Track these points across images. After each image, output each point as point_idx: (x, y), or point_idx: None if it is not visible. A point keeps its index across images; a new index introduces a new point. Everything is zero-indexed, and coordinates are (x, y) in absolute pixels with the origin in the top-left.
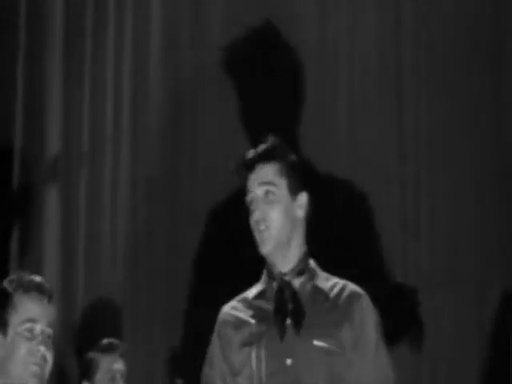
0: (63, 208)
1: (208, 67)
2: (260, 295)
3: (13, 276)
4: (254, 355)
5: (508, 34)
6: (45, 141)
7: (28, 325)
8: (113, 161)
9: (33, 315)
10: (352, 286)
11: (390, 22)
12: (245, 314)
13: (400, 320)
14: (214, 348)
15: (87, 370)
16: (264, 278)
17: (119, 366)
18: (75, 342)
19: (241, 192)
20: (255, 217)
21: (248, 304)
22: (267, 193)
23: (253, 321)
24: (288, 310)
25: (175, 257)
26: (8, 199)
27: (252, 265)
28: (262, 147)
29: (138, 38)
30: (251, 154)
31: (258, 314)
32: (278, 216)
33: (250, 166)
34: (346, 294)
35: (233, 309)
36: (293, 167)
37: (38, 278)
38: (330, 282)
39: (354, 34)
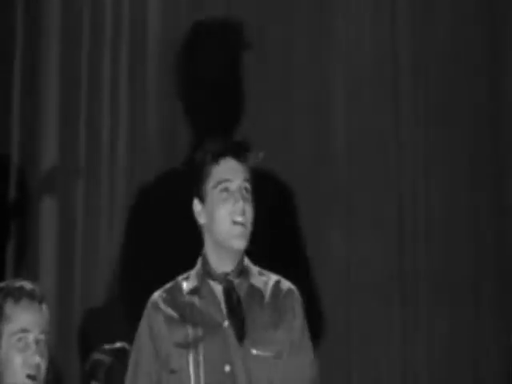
0: (60, 220)
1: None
2: (193, 291)
3: (1, 285)
4: (191, 360)
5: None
6: (41, 152)
7: (21, 335)
8: (109, 172)
9: (25, 325)
10: (284, 282)
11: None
12: (177, 311)
13: None
14: (143, 335)
15: (98, 371)
16: (197, 273)
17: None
18: (79, 345)
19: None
20: (238, 208)
21: (180, 298)
22: (246, 190)
23: (187, 323)
24: (241, 314)
25: (173, 267)
26: (4, 211)
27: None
28: (239, 143)
29: (136, 49)
30: (236, 142)
31: (191, 312)
32: (251, 215)
33: (234, 153)
34: (279, 291)
35: (164, 301)
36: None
37: (26, 284)
38: (264, 278)
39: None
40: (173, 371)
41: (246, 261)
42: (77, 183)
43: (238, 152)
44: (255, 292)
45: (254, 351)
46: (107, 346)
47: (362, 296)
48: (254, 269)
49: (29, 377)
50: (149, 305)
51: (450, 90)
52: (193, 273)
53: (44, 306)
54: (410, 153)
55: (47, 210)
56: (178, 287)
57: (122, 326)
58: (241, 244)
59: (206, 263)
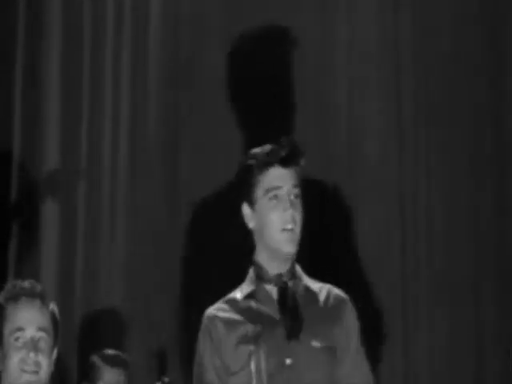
0: (61, 221)
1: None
2: (249, 296)
3: (5, 287)
4: (252, 356)
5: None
6: (43, 154)
7: (17, 334)
8: (111, 174)
9: (20, 323)
10: (337, 291)
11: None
12: (234, 315)
13: None
14: (205, 350)
15: (90, 373)
16: (251, 279)
17: (120, 382)
18: (78, 345)
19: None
20: (287, 215)
21: (236, 305)
22: (297, 196)
23: (246, 322)
24: (294, 311)
25: (174, 268)
26: (6, 212)
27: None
28: (295, 149)
29: (137, 54)
30: (284, 148)
31: (249, 314)
32: (301, 221)
33: (283, 159)
34: (333, 297)
35: (220, 310)
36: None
37: (27, 283)
38: (317, 285)
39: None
40: (233, 373)
41: (298, 267)
42: (78, 184)
43: (287, 158)
44: (310, 294)
45: (314, 343)
46: (104, 352)
47: None
48: (307, 277)
49: (24, 371)
50: (205, 320)
51: (450, 89)
52: (246, 281)
53: (46, 304)
54: (410, 153)
55: (49, 211)
56: (232, 298)
57: (119, 332)
58: (290, 249)
59: (258, 267)
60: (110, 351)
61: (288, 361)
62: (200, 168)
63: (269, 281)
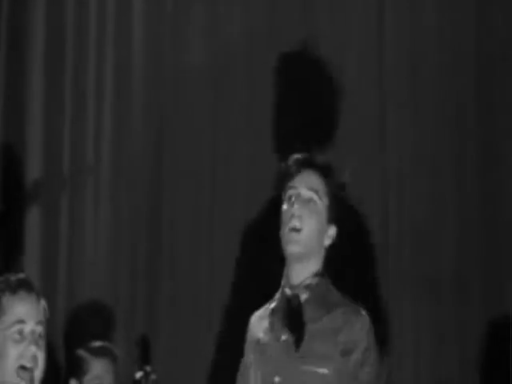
0: (44, 231)
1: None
2: (275, 308)
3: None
4: (251, 369)
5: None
6: (25, 163)
7: (17, 327)
8: (94, 183)
9: (21, 316)
10: (357, 308)
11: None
12: (260, 329)
13: None
14: (246, 350)
15: (77, 368)
16: (280, 289)
17: (109, 372)
18: (64, 339)
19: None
20: (294, 211)
21: (268, 315)
22: (310, 200)
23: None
24: (297, 323)
25: (158, 263)
26: None
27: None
28: (318, 158)
29: (120, 60)
30: (305, 157)
31: (270, 327)
32: (313, 224)
33: (305, 164)
34: (347, 314)
35: (257, 316)
36: (336, 196)
37: (24, 277)
38: (335, 298)
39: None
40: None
41: (322, 280)
42: (61, 195)
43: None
44: (320, 306)
45: (304, 366)
46: (90, 345)
47: None
48: (334, 294)
49: (23, 368)
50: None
51: (439, 91)
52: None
53: (41, 301)
54: (395, 153)
55: (32, 221)
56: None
57: (105, 326)
58: (293, 249)
59: (284, 277)
60: (97, 343)
61: (277, 379)
62: (185, 180)
63: (288, 290)
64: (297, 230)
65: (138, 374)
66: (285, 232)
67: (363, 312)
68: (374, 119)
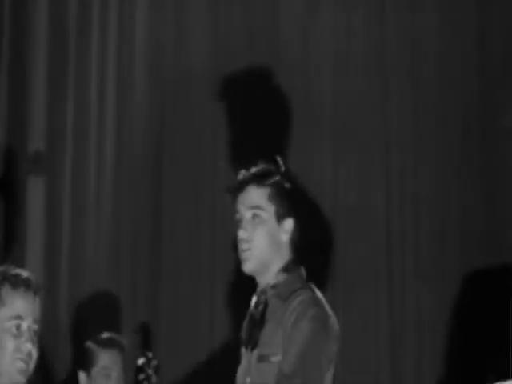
0: (47, 203)
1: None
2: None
3: None
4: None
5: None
6: (28, 136)
7: (15, 322)
8: (97, 156)
9: (20, 312)
10: (314, 297)
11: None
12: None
13: None
14: None
15: (85, 360)
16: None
17: (117, 363)
18: (71, 332)
19: None
20: (239, 236)
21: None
22: (254, 216)
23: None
24: (258, 329)
25: (159, 253)
26: None
27: None
28: (253, 170)
29: (122, 60)
30: (243, 175)
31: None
32: (262, 238)
33: (240, 187)
34: (303, 301)
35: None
36: (282, 193)
37: (24, 273)
38: (296, 295)
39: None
40: None
41: (289, 275)
42: (64, 167)
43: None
44: (281, 298)
45: (260, 359)
46: (98, 336)
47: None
48: (295, 283)
49: (17, 359)
50: None
51: (440, 90)
52: None
53: (38, 299)
54: (397, 153)
55: (34, 192)
56: None
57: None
58: (247, 267)
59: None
60: (104, 334)
61: (247, 379)
62: (185, 164)
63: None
64: (246, 250)
65: (141, 361)
66: (240, 253)
67: (320, 303)
68: (375, 119)
